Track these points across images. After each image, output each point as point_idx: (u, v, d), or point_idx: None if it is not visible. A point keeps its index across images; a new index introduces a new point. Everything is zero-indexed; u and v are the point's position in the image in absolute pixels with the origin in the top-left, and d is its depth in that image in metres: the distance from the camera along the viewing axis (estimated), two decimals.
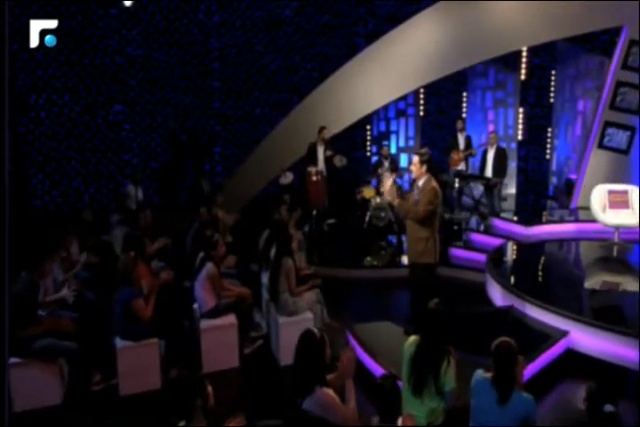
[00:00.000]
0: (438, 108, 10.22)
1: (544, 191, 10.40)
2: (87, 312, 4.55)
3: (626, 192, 6.42)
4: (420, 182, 4.38)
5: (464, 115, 10.35)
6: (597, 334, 4.37)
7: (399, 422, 2.61)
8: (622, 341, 4.23)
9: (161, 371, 4.34)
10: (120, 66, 8.82)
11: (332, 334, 4.89)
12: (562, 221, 7.51)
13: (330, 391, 2.59)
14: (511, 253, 6.56)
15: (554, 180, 10.38)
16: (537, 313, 4.78)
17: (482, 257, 6.64)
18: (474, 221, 8.33)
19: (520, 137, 10.14)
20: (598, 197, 6.42)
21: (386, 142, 10.03)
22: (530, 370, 4.08)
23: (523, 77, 9.71)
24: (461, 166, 8.79)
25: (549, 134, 10.16)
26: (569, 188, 9.71)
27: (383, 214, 8.23)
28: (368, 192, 8.48)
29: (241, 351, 4.69)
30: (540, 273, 6.18)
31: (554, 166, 10.35)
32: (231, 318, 4.61)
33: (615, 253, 6.35)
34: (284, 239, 4.61)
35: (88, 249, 4.95)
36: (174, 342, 4.43)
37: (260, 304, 5.24)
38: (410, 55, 8.13)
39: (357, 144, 10.41)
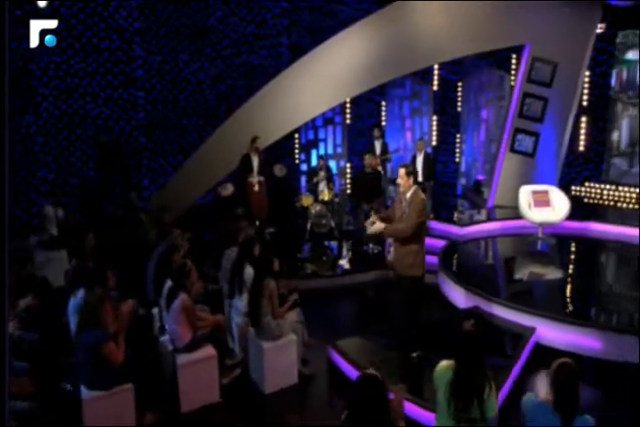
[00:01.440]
0: (361, 116, 10.14)
1: (453, 191, 10.78)
2: (33, 359, 3.67)
3: (546, 192, 6.73)
4: (408, 194, 4.10)
5: (383, 123, 10.40)
6: (562, 328, 4.42)
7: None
8: (584, 332, 4.31)
9: (136, 418, 3.61)
10: (32, 73, 7.51)
11: (311, 352, 4.53)
12: (489, 219, 7.71)
13: None
14: (459, 253, 6.57)
15: (463, 180, 10.79)
16: (503, 312, 4.75)
17: (428, 258, 6.60)
18: None
19: (434, 142, 10.40)
20: (524, 197, 6.66)
21: (323, 154, 9.73)
22: (514, 370, 4.02)
23: (435, 88, 9.96)
24: (370, 170, 8.71)
25: (458, 140, 10.54)
26: (477, 187, 10.17)
27: (324, 221, 7.91)
28: (306, 200, 8.14)
29: (220, 383, 4.08)
30: (491, 271, 6.23)
31: (463, 168, 10.76)
32: (209, 350, 3.98)
33: (547, 247, 6.66)
34: (264, 260, 4.08)
35: (22, 290, 4.01)
36: (147, 383, 3.71)
37: (231, 329, 4.63)
38: (339, 68, 7.88)
39: (286, 152, 10.00)
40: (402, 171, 4.08)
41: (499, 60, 9.10)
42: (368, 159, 7.30)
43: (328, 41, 7.87)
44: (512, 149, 8.20)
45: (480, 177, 10.27)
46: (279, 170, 7.74)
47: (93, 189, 7.96)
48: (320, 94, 8.06)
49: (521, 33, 7.59)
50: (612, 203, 8.55)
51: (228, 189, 7.40)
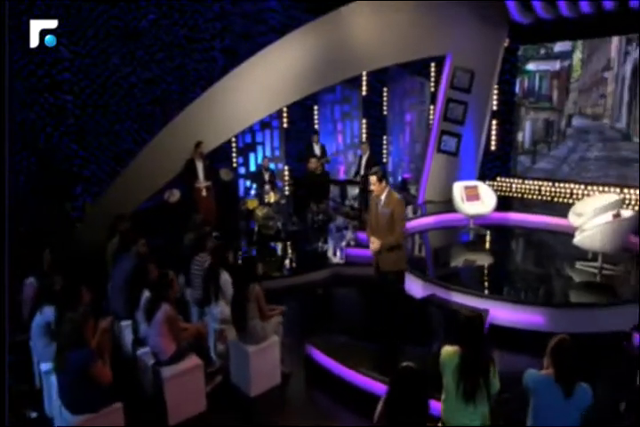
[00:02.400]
0: (295, 120, 10.15)
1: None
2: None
3: (476, 187, 7.24)
4: (383, 197, 4.19)
5: (316, 126, 10.50)
6: (511, 308, 4.79)
7: None
8: (532, 310, 4.72)
9: None
10: None
11: (286, 351, 4.46)
12: (425, 214, 8.10)
13: None
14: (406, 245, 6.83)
15: (390, 179, 11.23)
16: (458, 298, 5.04)
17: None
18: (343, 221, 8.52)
19: None
20: (457, 192, 7.10)
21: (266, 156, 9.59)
22: None
23: (364, 93, 10.25)
24: (318, 172, 8.87)
25: (385, 141, 10.95)
26: (404, 185, 10.66)
27: (271, 223, 7.84)
28: (251, 203, 8.02)
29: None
30: (439, 260, 6.55)
31: (390, 168, 11.20)
32: (194, 360, 3.78)
33: (477, 237, 7.15)
34: (246, 264, 3.95)
35: None
36: (133, 401, 3.43)
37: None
38: (278, 75, 7.83)
39: (223, 156, 9.72)
40: (373, 178, 4.19)
41: (419, 68, 9.58)
42: (314, 162, 7.35)
43: (266, 48, 7.79)
44: (438, 150, 8.70)
45: (406, 175, 10.78)
46: (225, 174, 7.53)
47: (35, 199, 7.15)
48: (260, 100, 7.95)
49: (443, 44, 8.07)
50: (519, 195, 9.39)
51: (176, 195, 7.04)
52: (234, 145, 9.69)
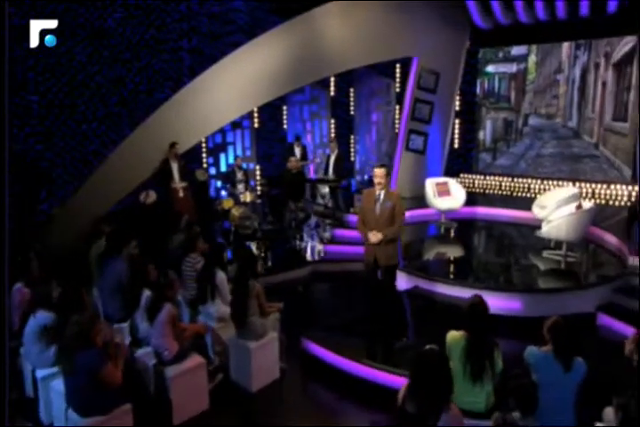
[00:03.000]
0: (265, 120, 10.18)
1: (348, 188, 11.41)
2: None
3: (446, 183, 7.57)
4: (382, 191, 4.35)
5: (285, 126, 10.58)
6: (490, 295, 5.07)
7: None
8: (509, 296, 5.03)
9: None
10: None
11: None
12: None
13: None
14: None
15: (358, 177, 11.48)
16: (441, 288, 5.30)
17: (353, 249, 7.02)
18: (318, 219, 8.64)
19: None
20: (429, 188, 7.40)
21: (238, 156, 9.51)
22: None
23: (332, 94, 10.42)
24: (295, 171, 8.97)
25: (352, 140, 11.17)
26: (371, 183, 10.91)
27: (248, 223, 7.84)
28: (227, 203, 7.98)
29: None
30: (415, 253, 6.76)
31: (357, 166, 11.44)
32: (197, 358, 3.80)
33: (449, 230, 7.47)
34: (246, 262, 3.99)
35: None
36: (140, 402, 3.41)
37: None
38: (250, 76, 7.85)
39: (192, 156, 9.60)
40: (382, 171, 4.34)
41: (385, 69, 9.86)
42: (294, 161, 7.43)
43: (239, 49, 7.78)
44: (407, 148, 9.00)
45: None
46: (201, 174, 7.48)
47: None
48: (233, 101, 7.94)
49: (410, 47, 8.37)
50: (481, 190, 9.87)
51: (152, 197, 6.91)
52: (204, 145, 9.61)
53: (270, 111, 10.30)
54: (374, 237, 4.34)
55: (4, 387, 2.31)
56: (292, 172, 7.44)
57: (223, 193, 9.22)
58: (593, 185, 8.35)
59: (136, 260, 4.32)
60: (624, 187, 8.09)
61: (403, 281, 5.66)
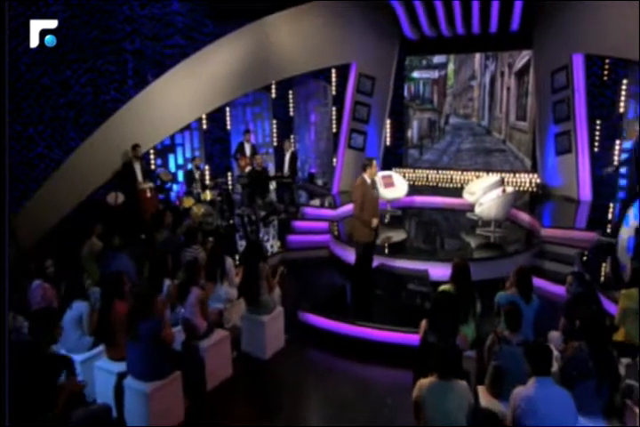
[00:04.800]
0: (209, 121, 10.55)
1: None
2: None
3: (391, 176, 8.68)
4: (370, 180, 5.23)
5: (228, 127, 11.04)
6: (441, 266, 6.18)
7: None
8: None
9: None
10: None
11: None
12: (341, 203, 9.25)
13: None
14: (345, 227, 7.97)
15: (299, 174, 12.28)
16: (402, 264, 6.32)
17: (314, 238, 7.88)
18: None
19: (275, 143, 11.57)
20: (378, 181, 8.42)
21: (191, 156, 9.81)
22: None
23: (273, 96, 11.11)
24: (248, 168, 9.56)
25: (292, 140, 11.94)
26: (312, 179, 11.80)
27: (210, 220, 8.29)
28: (187, 201, 8.35)
29: None
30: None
31: (298, 164, 12.21)
32: (221, 332, 4.39)
33: (395, 217, 8.57)
34: (254, 246, 4.63)
35: None
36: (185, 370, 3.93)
37: None
38: (207, 79, 8.35)
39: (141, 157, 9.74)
40: (375, 162, 5.21)
41: (322, 73, 10.77)
42: (259, 159, 8.05)
43: (194, 55, 8.25)
44: (349, 146, 10.01)
45: (313, 170, 11.94)
46: (165, 175, 7.79)
47: None
48: (189, 105, 8.40)
49: (350, 54, 9.40)
50: (412, 182, 11.16)
51: (120, 198, 7.12)
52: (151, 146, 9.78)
53: (213, 113, 10.70)
54: (375, 221, 5.24)
55: (4, 384, 2.45)
56: (258, 169, 8.05)
57: (176, 192, 9.50)
58: (502, 174, 9.98)
59: (139, 254, 4.72)
60: (526, 175, 9.82)
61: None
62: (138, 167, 7.53)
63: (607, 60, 8.92)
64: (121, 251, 4.88)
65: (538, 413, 2.77)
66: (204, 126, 10.10)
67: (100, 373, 3.79)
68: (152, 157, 9.80)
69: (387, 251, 6.92)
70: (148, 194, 7.41)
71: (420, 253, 7.01)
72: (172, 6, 9.97)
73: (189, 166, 9.44)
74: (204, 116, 10.05)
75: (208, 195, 8.39)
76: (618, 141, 9.03)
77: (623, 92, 8.84)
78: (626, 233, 7.14)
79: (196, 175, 8.68)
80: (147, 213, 7.33)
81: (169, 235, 5.62)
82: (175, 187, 9.71)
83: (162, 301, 3.75)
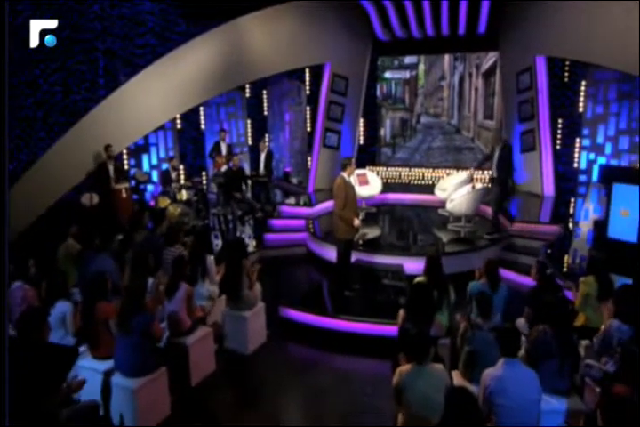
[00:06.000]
0: (183, 121, 10.53)
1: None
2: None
3: (365, 174, 8.90)
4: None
5: (202, 126, 11.04)
6: (415, 260, 6.43)
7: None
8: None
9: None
10: None
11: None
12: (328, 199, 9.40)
13: None
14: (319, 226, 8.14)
15: (274, 173, 12.38)
16: (378, 259, 6.54)
17: (291, 236, 8.03)
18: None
19: (250, 142, 11.64)
20: (353, 179, 8.61)
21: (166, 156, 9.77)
22: None
23: (248, 95, 11.17)
24: (224, 168, 9.62)
25: (267, 139, 12.03)
26: (286, 178, 11.94)
27: (187, 219, 8.31)
28: (163, 202, 8.36)
29: None
30: None
31: (272, 163, 12.32)
32: (205, 329, 4.49)
33: (370, 214, 8.79)
34: (237, 244, 4.74)
35: None
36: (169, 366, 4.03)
37: None
38: (182, 79, 8.36)
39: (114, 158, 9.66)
40: (354, 161, 5.40)
41: (296, 72, 10.90)
42: (235, 160, 8.13)
43: (167, 55, 8.26)
44: (323, 145, 10.19)
45: (287, 169, 12.08)
46: (140, 176, 7.78)
47: None
48: (163, 105, 8.41)
49: (324, 55, 9.57)
50: (385, 180, 11.43)
51: (94, 199, 7.08)
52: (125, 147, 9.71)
53: (188, 112, 10.69)
54: (357, 221, 5.44)
55: (4, 387, 2.40)
56: (234, 169, 8.13)
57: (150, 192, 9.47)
58: (471, 171, 10.35)
59: (118, 254, 4.77)
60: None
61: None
62: (111, 168, 7.50)
63: (567, 62, 9.38)
64: (101, 252, 4.90)
65: (506, 391, 3.01)
66: (178, 126, 10.09)
67: (84, 372, 3.84)
68: (125, 157, 9.75)
69: (363, 247, 7.13)
70: (124, 194, 7.40)
71: (394, 248, 7.26)
72: (144, 6, 9.91)
73: (164, 166, 9.44)
74: (177, 116, 10.04)
75: (184, 195, 8.41)
76: (578, 139, 9.53)
77: (582, 93, 9.33)
78: (585, 226, 7.60)
79: (173, 175, 8.69)
80: (122, 214, 7.32)
81: (148, 235, 5.66)
82: (150, 187, 9.70)
83: (153, 298, 3.83)
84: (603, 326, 3.88)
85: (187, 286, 4.24)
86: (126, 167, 9.79)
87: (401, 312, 3.67)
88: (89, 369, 3.80)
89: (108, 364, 3.72)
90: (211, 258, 4.96)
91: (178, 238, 5.23)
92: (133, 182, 8.24)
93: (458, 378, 3.79)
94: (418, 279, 4.23)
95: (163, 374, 3.82)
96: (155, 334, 3.64)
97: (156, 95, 8.25)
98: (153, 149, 9.92)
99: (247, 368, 4.77)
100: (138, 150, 9.86)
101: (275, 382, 4.60)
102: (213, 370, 4.55)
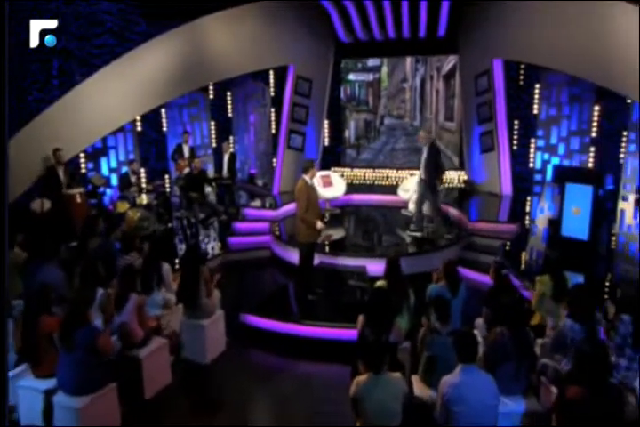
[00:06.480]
0: (144, 123, 10.12)
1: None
2: None
3: (329, 175, 8.75)
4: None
5: (164, 128, 10.65)
6: (378, 262, 6.31)
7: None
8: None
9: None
10: None
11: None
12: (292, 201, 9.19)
13: None
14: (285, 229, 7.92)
15: (238, 175, 12.09)
16: (341, 261, 6.40)
17: (255, 239, 7.81)
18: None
19: (214, 145, 11.31)
20: (315, 180, 8.44)
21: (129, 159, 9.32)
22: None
23: (211, 97, 10.84)
24: (186, 170, 9.28)
25: (232, 141, 11.72)
26: (251, 180, 11.68)
27: (147, 224, 7.95)
28: (122, 206, 7.97)
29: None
30: None
31: (237, 165, 12.02)
32: (159, 340, 4.22)
33: (334, 215, 8.65)
34: (195, 251, 4.48)
35: None
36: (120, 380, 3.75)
37: None
38: (140, 80, 8.00)
39: (71, 162, 9.16)
40: (315, 164, 5.41)
41: (260, 74, 10.65)
42: (197, 163, 7.83)
43: (127, 54, 7.89)
44: (288, 146, 9.99)
45: (253, 171, 11.82)
46: (97, 179, 7.37)
47: None
48: (120, 107, 8.02)
49: (286, 57, 9.36)
50: (350, 181, 11.33)
51: (45, 205, 6.64)
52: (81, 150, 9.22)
53: (150, 114, 10.27)
54: (320, 224, 5.27)
55: (4, 388, 2.38)
56: (195, 172, 7.83)
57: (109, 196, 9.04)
58: None
59: (66, 263, 4.44)
60: (454, 172, 10.27)
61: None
62: (61, 172, 7.07)
63: (522, 66, 9.50)
64: (48, 260, 4.55)
65: (464, 398, 2.90)
66: (139, 128, 9.67)
67: (24, 392, 3.52)
68: (83, 160, 9.27)
69: (327, 249, 6.98)
70: (78, 199, 6.98)
71: (358, 249, 7.14)
72: (101, 5, 9.45)
73: (124, 170, 9.02)
74: (138, 118, 9.63)
75: (144, 199, 8.05)
76: (533, 140, 9.67)
77: (536, 95, 9.47)
78: (541, 223, 7.69)
79: (133, 179, 8.30)
80: (77, 220, 6.90)
81: (102, 241, 5.33)
82: (109, 191, 9.26)
83: (105, 309, 3.54)
84: (549, 323, 3.86)
85: (137, 297, 3.96)
86: (84, 171, 9.34)
87: (360, 318, 3.53)
88: (29, 389, 3.48)
89: (49, 383, 3.42)
90: (166, 265, 4.68)
91: (133, 245, 4.93)
92: (90, 187, 7.80)
93: (418, 383, 3.68)
94: (377, 284, 4.10)
95: (112, 391, 3.54)
96: (101, 349, 3.34)
97: (113, 96, 7.85)
98: (112, 152, 9.46)
99: (206, 378, 4.52)
100: (96, 153, 9.38)
101: (235, 390, 4.37)
102: (169, 382, 4.29)
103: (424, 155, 7.10)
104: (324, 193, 8.50)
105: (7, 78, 2.35)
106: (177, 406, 4.09)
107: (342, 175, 11.20)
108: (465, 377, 2.95)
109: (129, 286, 3.97)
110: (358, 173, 11.20)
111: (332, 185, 8.64)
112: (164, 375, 4.20)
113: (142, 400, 3.99)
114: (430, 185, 7.10)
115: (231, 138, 11.65)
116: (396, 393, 2.92)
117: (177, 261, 6.69)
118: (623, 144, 8.49)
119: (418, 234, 7.17)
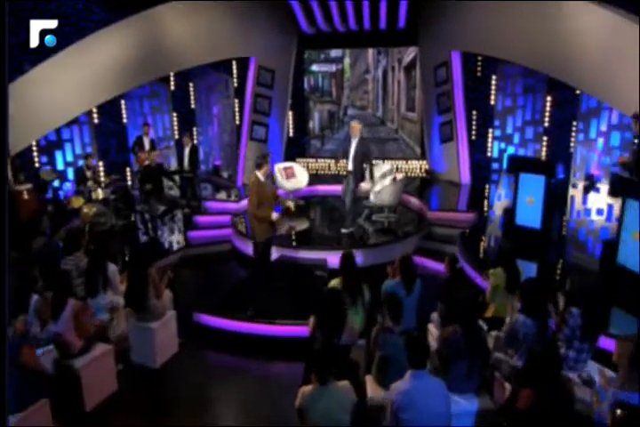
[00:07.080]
0: (102, 115, 9.44)
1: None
2: None
3: (292, 167, 8.35)
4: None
5: (125, 120, 9.99)
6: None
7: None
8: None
9: None
10: None
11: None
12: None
13: None
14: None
15: (202, 167, 11.54)
16: (302, 254, 6.08)
17: (216, 232, 7.40)
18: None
19: (177, 137, 10.71)
20: (278, 172, 8.08)
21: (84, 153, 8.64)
22: None
23: (172, 88, 10.20)
24: (147, 163, 8.71)
25: (195, 133, 11.14)
26: (216, 172, 11.16)
27: (103, 220, 7.41)
28: (77, 201, 7.40)
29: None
30: None
31: (201, 157, 11.46)
32: (103, 347, 3.81)
33: (297, 207, 8.17)
34: (140, 251, 4.06)
35: None
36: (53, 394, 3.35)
37: None
38: (93, 70, 7.36)
39: (23, 156, 8.44)
40: (269, 159, 5.00)
41: (223, 65, 10.06)
42: (154, 155, 7.29)
43: (76, 44, 7.19)
44: (251, 138, 9.52)
45: (217, 163, 11.29)
46: (47, 175, 6.77)
47: None
48: (71, 98, 7.39)
49: (249, 47, 8.83)
50: (315, 172, 10.99)
51: None
52: (34, 143, 8.51)
53: (108, 106, 9.58)
54: (275, 216, 4.91)
55: (4, 387, 2.26)
56: (152, 165, 7.31)
57: (65, 191, 8.41)
58: (396, 162, 10.12)
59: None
60: (417, 162, 10.05)
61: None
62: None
63: (479, 58, 9.27)
64: None
65: (413, 405, 2.66)
66: (95, 120, 9.00)
67: None
68: (35, 154, 8.57)
69: (287, 242, 6.63)
70: (26, 196, 6.38)
71: (318, 242, 6.84)
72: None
73: (80, 163, 8.38)
74: (94, 110, 8.95)
75: (100, 193, 7.48)
76: (490, 130, 9.52)
77: (493, 87, 9.28)
78: (499, 209, 7.56)
79: (88, 173, 7.69)
80: (24, 218, 6.33)
81: (46, 241, 4.82)
82: (67, 185, 8.62)
83: (22, 319, 3.11)
84: (508, 319, 3.67)
85: (74, 303, 3.54)
86: (37, 165, 8.64)
87: (311, 319, 3.23)
88: None
89: None
90: (112, 266, 4.25)
91: (78, 245, 4.45)
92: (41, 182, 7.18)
93: (371, 384, 3.43)
94: (331, 284, 3.79)
95: (44, 406, 3.14)
96: (25, 362, 2.92)
97: (65, 86, 7.19)
98: (67, 146, 8.79)
99: (156, 382, 4.16)
100: (50, 146, 8.70)
101: (188, 393, 4.04)
102: (115, 390, 3.90)
103: (353, 146, 6.74)
104: (287, 185, 8.13)
105: (7, 78, 2.30)
106: (123, 415, 3.72)
107: (307, 166, 10.87)
108: (415, 383, 2.70)
109: (65, 292, 3.54)
110: (322, 163, 10.85)
111: (295, 177, 8.26)
112: (107, 384, 3.82)
113: (82, 413, 3.60)
114: (356, 176, 6.79)
115: (195, 129, 11.08)
116: (343, 403, 2.65)
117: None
118: (573, 133, 8.42)
119: (350, 230, 6.86)
